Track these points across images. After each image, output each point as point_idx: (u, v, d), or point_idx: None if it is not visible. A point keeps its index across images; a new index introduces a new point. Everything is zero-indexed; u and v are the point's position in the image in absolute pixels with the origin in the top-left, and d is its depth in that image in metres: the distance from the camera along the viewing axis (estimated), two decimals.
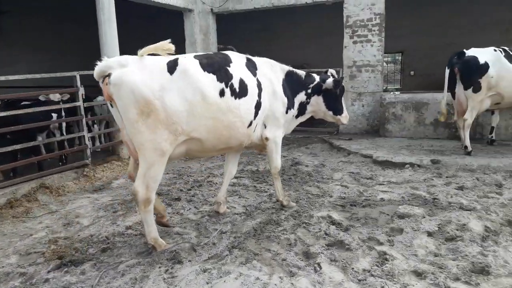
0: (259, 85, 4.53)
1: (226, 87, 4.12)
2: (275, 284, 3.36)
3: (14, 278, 3.77)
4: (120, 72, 3.69)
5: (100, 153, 9.13)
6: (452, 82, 7.71)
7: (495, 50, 7.54)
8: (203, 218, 5.02)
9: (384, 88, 14.35)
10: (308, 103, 5.23)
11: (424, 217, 4.64)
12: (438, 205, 5.08)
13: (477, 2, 14.23)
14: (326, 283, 3.38)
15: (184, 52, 11.74)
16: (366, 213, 4.92)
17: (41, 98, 7.75)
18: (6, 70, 12.10)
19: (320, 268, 3.61)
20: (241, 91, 4.25)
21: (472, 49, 7.61)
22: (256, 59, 4.77)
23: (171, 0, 10.71)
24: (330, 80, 5.14)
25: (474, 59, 7.38)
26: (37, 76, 7.09)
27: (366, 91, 10.88)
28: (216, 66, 4.14)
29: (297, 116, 5.27)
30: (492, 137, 8.57)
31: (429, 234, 4.23)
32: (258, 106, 4.49)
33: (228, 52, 4.57)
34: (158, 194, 4.06)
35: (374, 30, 10.59)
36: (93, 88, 11.33)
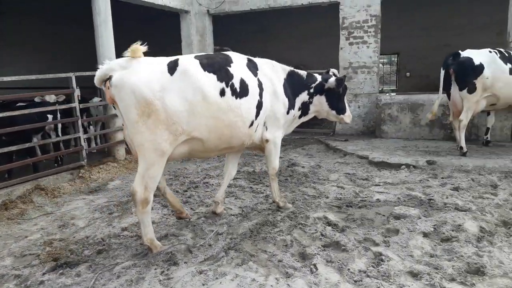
0: (260, 85, 4.53)
1: (227, 86, 4.13)
2: (271, 285, 3.35)
3: (9, 280, 3.75)
4: (121, 74, 3.72)
5: (96, 155, 9.12)
6: (447, 83, 7.75)
7: (490, 52, 7.58)
8: (199, 220, 5.01)
9: (380, 89, 14.41)
10: (311, 102, 5.23)
11: (419, 218, 4.65)
12: (434, 206, 5.09)
13: (472, 4, 14.33)
14: (322, 284, 3.38)
15: (180, 54, 11.77)
16: (362, 214, 4.93)
17: (37, 99, 7.74)
18: (4, 71, 12.08)
19: (316, 269, 3.61)
20: (242, 91, 4.26)
21: (468, 50, 7.65)
22: (257, 59, 4.78)
23: (168, 2, 10.70)
24: (332, 79, 5.13)
25: (469, 60, 7.42)
26: (33, 77, 7.07)
27: (362, 92, 10.91)
28: (216, 66, 4.15)
29: (300, 116, 5.28)
30: (487, 138, 8.61)
31: (425, 234, 4.24)
32: (259, 106, 4.49)
33: (229, 53, 4.57)
34: (154, 195, 4.04)
35: (370, 32, 10.63)
36: (89, 90, 11.37)
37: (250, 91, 4.35)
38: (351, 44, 10.87)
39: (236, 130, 4.29)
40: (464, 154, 7.56)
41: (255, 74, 4.54)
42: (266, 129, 4.79)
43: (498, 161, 7.02)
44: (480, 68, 7.35)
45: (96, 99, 9.67)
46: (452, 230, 4.27)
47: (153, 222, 4.21)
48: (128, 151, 9.10)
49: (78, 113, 7.66)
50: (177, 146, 3.98)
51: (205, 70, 4.03)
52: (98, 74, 3.84)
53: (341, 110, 5.33)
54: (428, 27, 15.19)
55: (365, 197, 5.59)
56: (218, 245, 4.20)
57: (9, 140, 6.74)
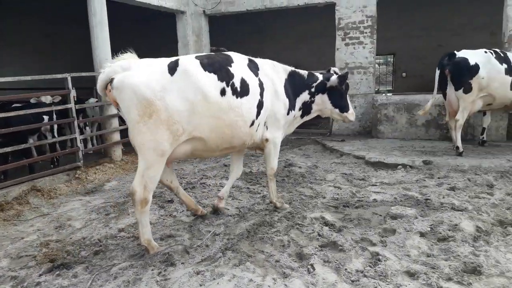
0: (261, 85, 4.54)
1: (227, 86, 4.15)
2: (269, 286, 3.35)
3: (5, 281, 3.73)
4: (122, 76, 3.75)
5: (92, 155, 9.09)
6: (443, 83, 7.79)
7: (485, 52, 7.62)
8: (196, 220, 5.01)
9: (376, 89, 14.47)
10: (312, 102, 5.24)
11: (416, 218, 4.66)
12: (430, 206, 5.11)
13: (467, 5, 14.40)
14: (319, 284, 3.39)
15: (177, 54, 11.76)
16: (359, 214, 4.94)
17: (32, 100, 7.70)
18: (4, 71, 12.03)
19: (314, 269, 3.61)
20: (242, 90, 4.27)
21: (463, 50, 7.68)
22: (258, 60, 4.79)
23: (163, 2, 10.69)
24: (334, 77, 5.14)
25: (465, 60, 7.45)
26: (28, 78, 7.04)
27: (358, 93, 10.93)
28: (217, 65, 4.17)
29: (302, 116, 5.30)
30: (483, 138, 8.65)
31: (422, 234, 4.25)
32: (260, 105, 4.50)
33: (230, 53, 4.59)
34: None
35: (366, 32, 10.66)
36: (85, 90, 11.34)
37: (250, 90, 4.36)
38: (347, 44, 10.90)
39: (237, 130, 4.31)
40: (460, 154, 7.60)
41: (256, 74, 4.55)
42: (267, 129, 4.80)
43: (494, 161, 7.05)
44: (476, 68, 7.38)
45: (92, 100, 9.65)
46: (449, 230, 4.28)
47: (150, 223, 4.19)
48: (124, 152, 9.09)
49: (74, 114, 7.63)
50: (180, 146, 4.02)
51: (205, 70, 4.05)
52: (101, 77, 3.87)
53: (344, 108, 5.32)
54: (424, 28, 15.25)
55: (362, 197, 5.60)
56: (215, 246, 4.20)
57: (5, 141, 6.71)
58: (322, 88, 5.19)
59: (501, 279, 3.37)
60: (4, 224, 5.28)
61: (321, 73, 5.31)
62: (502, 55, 7.71)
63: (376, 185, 6.23)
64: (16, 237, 4.83)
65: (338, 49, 11.02)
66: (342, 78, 5.11)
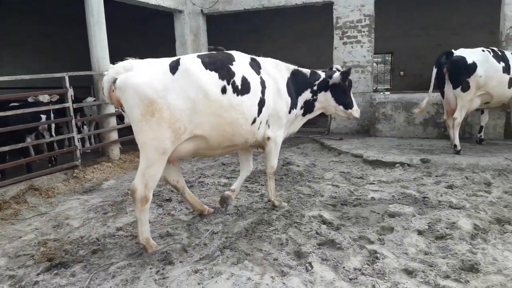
0: (262, 83, 4.55)
1: (228, 84, 4.16)
2: (267, 284, 3.36)
3: (3, 281, 3.73)
4: (125, 76, 3.81)
5: (90, 154, 9.08)
6: (441, 81, 7.80)
7: (483, 51, 7.64)
8: (194, 219, 5.01)
9: (374, 88, 14.48)
10: (315, 100, 5.23)
11: (414, 216, 4.67)
12: (428, 204, 5.12)
13: (466, 4, 14.42)
14: (317, 282, 3.39)
15: (175, 53, 11.77)
16: (357, 212, 4.95)
17: (30, 99, 7.69)
18: (4, 70, 12.02)
19: (312, 267, 3.61)
20: (243, 88, 4.28)
21: (461, 49, 7.70)
22: (260, 58, 4.80)
23: (161, 1, 10.68)
24: (337, 74, 5.14)
25: (462, 59, 7.46)
26: (26, 77, 7.03)
27: (356, 92, 10.92)
28: (218, 64, 4.19)
29: (304, 114, 5.30)
30: (481, 136, 8.67)
31: (419, 232, 4.26)
32: (261, 103, 4.50)
33: (232, 52, 4.61)
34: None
35: (363, 31, 10.67)
36: (83, 89, 11.31)
37: (252, 88, 4.37)
38: (345, 43, 10.91)
39: (238, 128, 4.32)
40: (458, 152, 7.61)
41: (258, 73, 4.56)
42: (268, 127, 4.81)
43: (491, 159, 7.07)
44: (473, 66, 7.40)
45: (90, 99, 9.63)
46: (447, 228, 4.29)
47: (148, 222, 4.19)
48: (122, 151, 9.08)
49: (72, 113, 7.62)
50: (183, 144, 4.05)
51: (206, 69, 4.07)
52: (106, 79, 3.93)
53: (348, 105, 5.31)
54: (423, 27, 15.28)
55: (360, 196, 5.61)
56: (214, 244, 4.20)
57: (2, 140, 6.70)
58: (325, 86, 5.19)
59: (498, 276, 3.38)
60: (1, 223, 5.27)
61: (323, 71, 5.32)
62: (499, 53, 7.73)
63: (374, 184, 6.24)
64: (14, 236, 4.82)
65: (336, 48, 11.03)
66: (345, 75, 5.11)
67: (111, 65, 4.01)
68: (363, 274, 3.49)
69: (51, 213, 5.61)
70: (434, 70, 7.82)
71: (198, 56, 4.20)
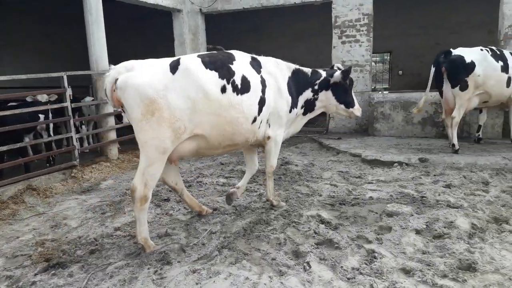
0: (263, 82, 4.55)
1: (228, 83, 4.17)
2: (265, 284, 3.36)
3: (0, 281, 3.72)
4: (125, 76, 3.84)
5: (88, 154, 9.07)
6: (439, 80, 7.80)
7: (481, 50, 7.64)
8: (192, 219, 5.00)
9: (373, 87, 14.46)
10: (316, 99, 5.23)
11: (412, 215, 4.67)
12: (426, 203, 5.12)
13: (465, 3, 14.42)
14: (315, 282, 3.39)
15: (173, 52, 11.76)
16: (355, 212, 4.95)
17: (28, 99, 7.67)
18: (5, 70, 12.01)
19: (310, 267, 3.61)
20: (243, 88, 4.29)
21: (459, 48, 7.70)
22: (261, 57, 4.81)
23: (160, 0, 10.67)
24: (338, 73, 5.13)
25: (461, 58, 7.47)
26: (23, 77, 7.01)
27: (355, 91, 10.78)
28: (218, 63, 4.21)
29: (304, 113, 5.30)
30: (479, 135, 8.68)
31: (417, 232, 4.26)
32: (262, 102, 4.51)
33: (233, 51, 4.62)
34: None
35: (362, 30, 10.67)
36: (81, 89, 11.29)
37: (252, 87, 4.38)
38: (343, 42, 10.90)
39: (239, 127, 4.33)
40: (456, 152, 7.62)
41: (258, 72, 4.57)
42: (269, 127, 4.81)
43: (489, 158, 7.08)
44: (472, 65, 7.40)
45: (88, 99, 9.62)
46: (444, 227, 4.30)
47: (147, 221, 4.18)
48: (120, 151, 9.07)
49: (70, 113, 7.61)
50: (184, 144, 4.08)
51: (206, 68, 4.09)
52: (108, 80, 3.96)
53: (349, 104, 5.31)
54: (422, 26, 15.27)
55: (358, 195, 5.61)
56: (212, 244, 4.20)
57: (0, 140, 6.68)
58: (326, 85, 5.18)
59: (495, 275, 3.38)
60: None
61: (324, 70, 5.32)
62: (498, 52, 7.73)
63: (372, 183, 6.24)
64: (12, 237, 4.81)
65: (334, 47, 11.03)
66: (345, 73, 5.10)
67: (113, 65, 4.04)
68: (361, 273, 3.49)
69: (49, 213, 5.61)
70: (432, 69, 7.83)
71: (199, 56, 4.22)
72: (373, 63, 14.78)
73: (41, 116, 7.71)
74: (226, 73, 4.19)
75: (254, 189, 6.18)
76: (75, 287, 3.50)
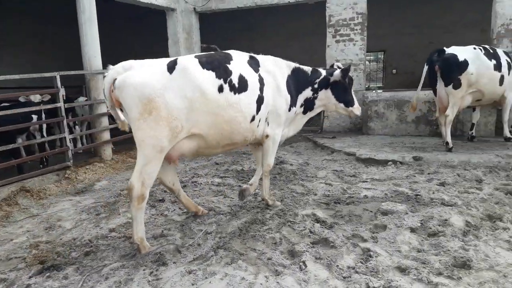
0: (261, 80, 4.56)
1: (225, 83, 4.20)
2: (261, 284, 3.35)
3: None
4: (124, 76, 3.88)
5: (82, 155, 9.01)
6: (433, 79, 7.84)
7: (474, 48, 7.69)
8: (187, 219, 4.99)
9: (367, 86, 14.53)
10: (315, 98, 5.24)
11: (407, 213, 4.69)
12: (421, 201, 5.15)
13: (458, 2, 14.50)
14: (311, 281, 3.40)
15: (167, 51, 11.73)
16: (350, 211, 4.96)
17: (21, 99, 7.61)
18: (5, 70, 11.92)
19: (305, 266, 3.62)
20: (240, 86, 4.31)
21: (452, 47, 7.74)
22: (260, 56, 4.82)
23: (154, 0, 10.61)
24: (337, 72, 5.15)
25: (454, 56, 7.50)
26: (16, 76, 6.95)
27: None
28: (215, 63, 4.24)
29: (304, 112, 5.30)
30: (472, 133, 8.74)
31: (412, 230, 4.28)
32: (260, 100, 4.52)
33: (231, 51, 4.63)
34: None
35: (356, 29, 10.69)
36: (75, 89, 11.22)
37: (249, 86, 4.39)
38: (337, 41, 10.92)
39: (237, 126, 4.35)
40: (449, 150, 7.66)
41: (256, 70, 4.58)
42: (268, 125, 4.81)
43: (482, 156, 7.12)
44: (465, 64, 7.44)
45: (81, 99, 9.56)
46: (439, 225, 4.32)
47: (143, 221, 4.17)
48: (114, 151, 9.03)
49: (64, 113, 7.56)
50: (183, 142, 4.12)
51: (203, 68, 4.12)
52: (106, 80, 3.98)
53: (349, 103, 5.31)
54: (416, 25, 15.34)
55: (353, 194, 5.62)
56: (207, 245, 4.19)
57: None
58: (325, 84, 5.20)
59: (490, 273, 3.40)
60: None
61: (324, 69, 5.34)
62: (491, 51, 7.78)
63: (366, 182, 6.26)
64: (5, 239, 4.77)
65: (328, 46, 11.04)
66: (345, 72, 5.11)
67: (111, 65, 4.07)
68: (356, 272, 3.50)
69: (43, 215, 5.57)
70: (425, 68, 7.86)
71: (196, 56, 4.26)
72: (367, 62, 14.81)
73: (34, 117, 7.65)
74: (223, 72, 4.21)
75: None
76: None
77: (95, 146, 8.75)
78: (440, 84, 7.74)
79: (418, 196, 5.33)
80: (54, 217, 5.45)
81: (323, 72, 5.23)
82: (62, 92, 7.48)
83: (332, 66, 5.42)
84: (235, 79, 4.27)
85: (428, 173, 6.51)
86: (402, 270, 3.50)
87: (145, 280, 3.52)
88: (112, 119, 9.04)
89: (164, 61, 4.07)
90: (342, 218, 4.76)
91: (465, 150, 7.72)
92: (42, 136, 8.10)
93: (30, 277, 3.74)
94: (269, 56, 4.93)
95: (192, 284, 3.39)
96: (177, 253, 4.03)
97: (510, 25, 9.39)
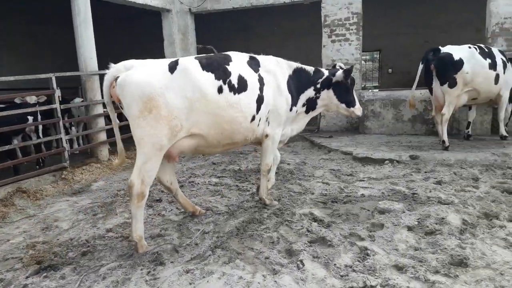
0: (260, 80, 4.59)
1: (224, 84, 4.24)
2: (258, 283, 3.36)
3: None
4: (125, 74, 3.93)
5: (78, 156, 8.99)
6: (429, 78, 7.87)
7: (469, 47, 7.73)
8: (185, 219, 4.99)
9: (363, 86, 14.56)
10: (318, 97, 5.26)
11: (403, 212, 4.71)
12: (417, 200, 5.17)
13: (453, 2, 14.55)
14: (309, 280, 3.40)
15: (163, 52, 11.70)
16: (347, 209, 4.97)
17: (17, 100, 7.58)
18: (4, 71, 11.86)
19: (303, 265, 3.62)
20: (240, 87, 4.35)
21: (448, 46, 7.78)
22: (260, 56, 4.85)
23: (149, 1, 10.60)
24: (340, 72, 5.17)
25: (449, 55, 7.54)
26: (11, 78, 6.92)
27: None
28: (215, 65, 4.29)
29: (307, 112, 5.33)
30: (468, 132, 8.77)
31: (409, 228, 4.29)
32: (260, 100, 4.54)
33: (230, 52, 4.67)
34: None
35: (352, 29, 10.71)
36: (70, 90, 11.18)
37: (249, 86, 4.43)
38: (333, 41, 10.93)
39: (237, 126, 4.39)
40: (446, 148, 7.69)
41: (256, 70, 4.61)
42: (268, 124, 4.82)
43: (479, 155, 7.15)
44: (460, 63, 7.47)
45: (77, 100, 9.53)
46: (436, 223, 4.34)
47: (143, 220, 4.17)
48: (111, 152, 9.00)
49: (60, 114, 7.53)
50: (184, 141, 4.16)
51: (203, 69, 4.18)
52: (107, 78, 4.04)
53: (350, 103, 5.33)
54: (411, 25, 15.38)
55: (350, 193, 5.64)
56: (205, 244, 4.19)
57: None
58: (328, 84, 5.22)
59: (487, 271, 3.42)
60: None
61: (327, 69, 5.37)
62: (486, 50, 7.82)
63: (363, 180, 6.27)
64: (2, 240, 4.75)
65: (324, 46, 11.05)
66: (347, 72, 5.14)
67: (112, 64, 4.11)
68: (354, 270, 3.51)
69: (40, 216, 5.55)
70: (421, 66, 7.89)
71: (196, 58, 4.32)
72: (363, 62, 14.87)
73: (30, 118, 7.62)
74: (222, 74, 4.26)
75: (247, 188, 6.17)
76: None
77: (92, 146, 8.73)
78: (435, 83, 7.77)
79: (415, 195, 5.35)
80: (51, 217, 5.44)
81: (326, 72, 5.26)
82: (58, 93, 7.46)
83: (334, 66, 5.45)
84: (234, 80, 4.32)
85: (425, 172, 6.53)
86: (399, 268, 3.51)
87: (143, 279, 3.51)
88: (108, 119, 9.04)
89: (166, 61, 4.13)
90: (339, 217, 4.77)
91: (462, 149, 7.75)
92: (38, 137, 8.08)
93: (27, 277, 3.73)
94: (270, 56, 4.96)
95: (190, 284, 3.39)
96: (174, 252, 4.03)
97: (505, 24, 9.43)
